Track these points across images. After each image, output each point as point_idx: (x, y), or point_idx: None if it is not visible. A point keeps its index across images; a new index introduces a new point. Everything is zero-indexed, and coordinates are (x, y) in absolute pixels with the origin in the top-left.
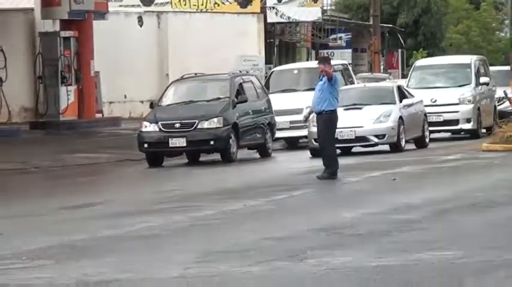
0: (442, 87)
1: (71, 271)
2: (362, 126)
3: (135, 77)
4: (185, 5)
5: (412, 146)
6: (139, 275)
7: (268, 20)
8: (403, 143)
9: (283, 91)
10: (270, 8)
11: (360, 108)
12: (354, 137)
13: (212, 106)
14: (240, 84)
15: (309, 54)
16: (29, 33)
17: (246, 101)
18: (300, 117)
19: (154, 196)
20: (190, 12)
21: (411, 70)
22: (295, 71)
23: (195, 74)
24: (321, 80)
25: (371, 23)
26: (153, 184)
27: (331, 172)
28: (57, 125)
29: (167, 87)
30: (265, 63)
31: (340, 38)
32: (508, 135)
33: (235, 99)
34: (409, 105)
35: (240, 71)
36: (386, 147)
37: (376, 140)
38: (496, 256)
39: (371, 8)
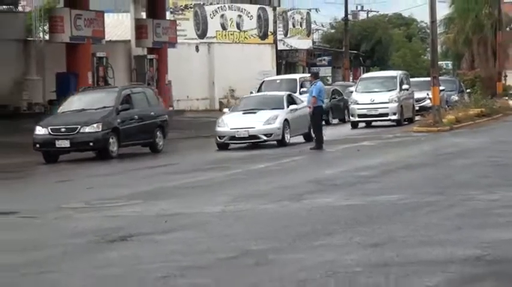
0: (378, 91)
1: (152, 207)
2: (254, 127)
3: (193, 84)
4: (226, 38)
5: (301, 139)
6: (194, 210)
7: (278, 48)
8: (287, 139)
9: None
10: (279, 40)
11: (255, 112)
12: (247, 135)
13: (96, 113)
14: (128, 95)
15: (304, 70)
16: (127, 55)
17: (128, 109)
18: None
19: (201, 161)
20: (229, 43)
21: (358, 80)
22: (278, 81)
23: (93, 86)
24: (312, 85)
25: (343, 50)
26: (204, 152)
27: (318, 146)
28: None
29: (67, 98)
30: (276, 75)
31: (324, 59)
32: (429, 122)
33: (119, 107)
34: (296, 110)
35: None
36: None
37: (265, 137)
38: (422, 198)
39: (343, 41)
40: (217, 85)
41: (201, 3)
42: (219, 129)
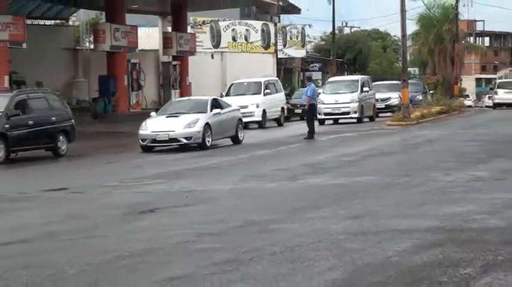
0: (341, 93)
1: (174, 185)
2: (174, 131)
3: (209, 85)
4: (235, 48)
5: (228, 141)
6: (207, 188)
7: (278, 56)
8: (208, 142)
9: (237, 95)
10: (279, 50)
11: (178, 116)
12: (168, 139)
13: None
14: (24, 100)
15: (299, 75)
16: (156, 62)
17: (18, 115)
18: (246, 109)
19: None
20: (238, 52)
21: (326, 83)
22: (245, 83)
23: None
24: (307, 87)
25: (331, 58)
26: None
27: (310, 136)
28: None
29: None
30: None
31: (315, 66)
32: (399, 117)
33: (8, 113)
34: (220, 114)
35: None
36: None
37: (185, 141)
38: (393, 179)
39: (331, 51)
40: (228, 86)
41: (216, 19)
42: (141, 132)
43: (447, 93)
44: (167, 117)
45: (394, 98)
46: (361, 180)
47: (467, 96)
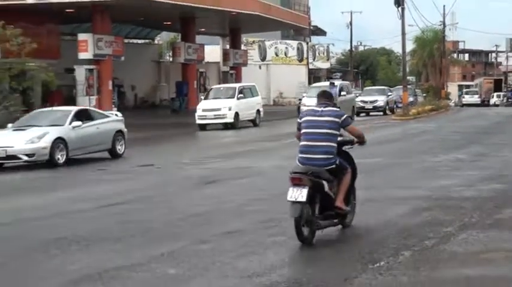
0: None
1: (230, 163)
2: (13, 146)
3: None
4: (277, 61)
5: (104, 154)
6: (257, 165)
7: (309, 67)
8: (60, 159)
9: (214, 98)
10: (310, 63)
11: (24, 130)
12: (5, 155)
13: None
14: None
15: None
16: (217, 71)
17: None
18: (219, 112)
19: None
20: (279, 64)
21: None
22: (222, 88)
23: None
24: (331, 90)
25: (349, 69)
26: (269, 129)
27: None
28: None
29: None
30: (308, 85)
31: (337, 75)
32: (400, 114)
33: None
34: (84, 127)
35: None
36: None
37: (26, 158)
38: (394, 160)
39: (349, 63)
40: (272, 90)
41: (263, 39)
42: None
43: (436, 96)
44: (14, 130)
45: (381, 100)
46: (370, 161)
47: (449, 98)
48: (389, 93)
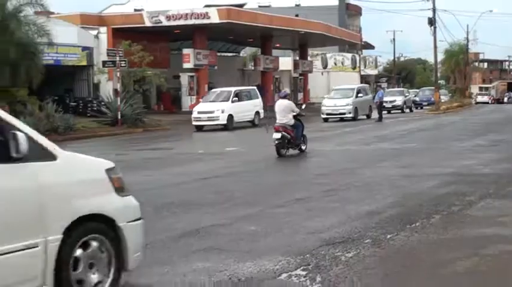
0: (339, 98)
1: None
2: (212, 112)
3: (319, 91)
4: (336, 69)
5: None
6: (320, 148)
7: (361, 74)
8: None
9: (210, 101)
10: (361, 70)
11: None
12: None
13: None
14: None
15: (373, 85)
16: (289, 77)
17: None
18: (212, 114)
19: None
20: (337, 71)
21: (331, 90)
22: (218, 92)
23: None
24: (378, 92)
25: (393, 75)
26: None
27: (379, 120)
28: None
29: None
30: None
31: (384, 79)
32: (433, 109)
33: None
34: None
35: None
36: None
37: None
38: (427, 145)
39: (393, 71)
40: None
41: (324, 52)
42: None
43: (461, 95)
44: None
45: (399, 100)
46: (408, 146)
47: (472, 97)
48: (406, 94)
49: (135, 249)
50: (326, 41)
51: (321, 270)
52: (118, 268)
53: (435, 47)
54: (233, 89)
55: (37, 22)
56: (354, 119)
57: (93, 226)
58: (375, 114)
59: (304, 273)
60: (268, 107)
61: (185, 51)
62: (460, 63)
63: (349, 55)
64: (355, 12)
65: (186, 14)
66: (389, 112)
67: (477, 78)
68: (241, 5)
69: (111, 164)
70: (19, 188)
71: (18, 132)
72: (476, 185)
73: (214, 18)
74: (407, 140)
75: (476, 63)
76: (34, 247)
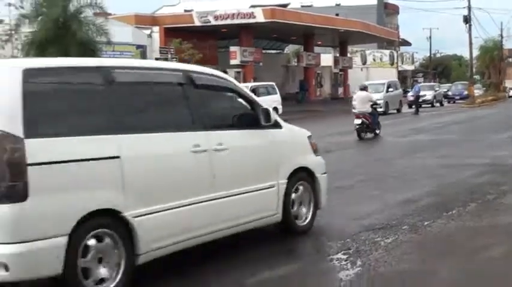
0: (373, 92)
1: (416, 139)
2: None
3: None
4: (374, 65)
5: None
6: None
7: (399, 69)
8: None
9: None
10: (399, 66)
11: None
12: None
13: None
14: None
15: (410, 80)
16: (330, 72)
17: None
18: None
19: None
20: (376, 67)
21: (359, 86)
22: None
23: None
24: (415, 86)
25: (429, 71)
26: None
27: (416, 113)
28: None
29: None
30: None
31: (420, 74)
32: (468, 102)
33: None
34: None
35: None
36: None
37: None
38: (465, 137)
39: (429, 66)
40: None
41: (364, 49)
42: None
43: (496, 89)
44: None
45: (429, 95)
46: (445, 137)
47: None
48: (436, 89)
49: (324, 193)
50: (365, 38)
51: (361, 254)
52: (315, 204)
53: (470, 43)
54: (249, 84)
55: (96, 22)
56: (384, 113)
57: (303, 175)
58: (405, 109)
59: (345, 257)
60: (309, 102)
61: (232, 48)
62: (494, 58)
63: (387, 52)
64: (392, 11)
65: (233, 14)
66: (420, 106)
67: (511, 74)
68: (285, 5)
69: (309, 133)
70: (268, 146)
71: (267, 108)
72: (510, 175)
73: (260, 17)
74: (444, 132)
75: (510, 59)
76: (272, 187)
